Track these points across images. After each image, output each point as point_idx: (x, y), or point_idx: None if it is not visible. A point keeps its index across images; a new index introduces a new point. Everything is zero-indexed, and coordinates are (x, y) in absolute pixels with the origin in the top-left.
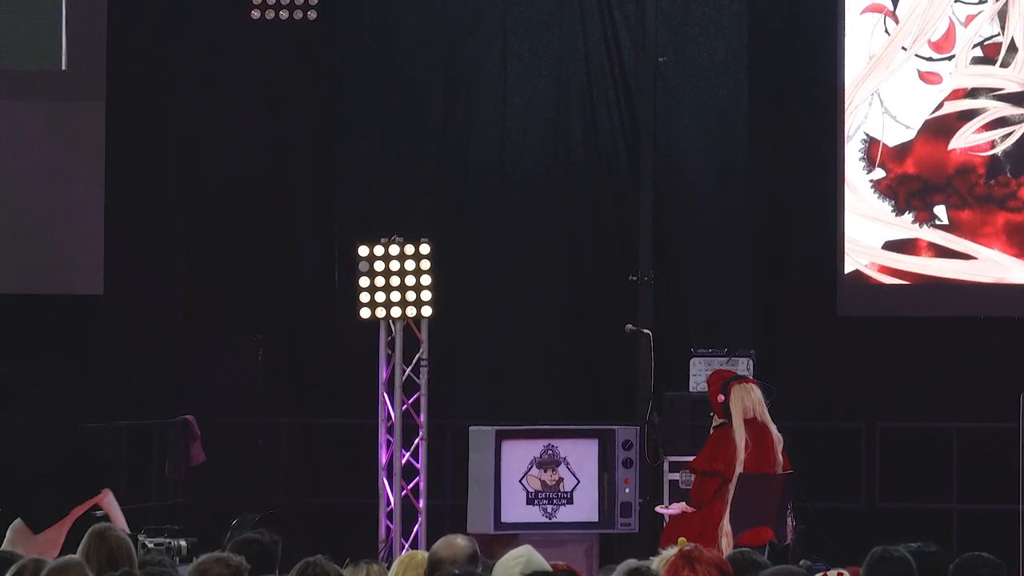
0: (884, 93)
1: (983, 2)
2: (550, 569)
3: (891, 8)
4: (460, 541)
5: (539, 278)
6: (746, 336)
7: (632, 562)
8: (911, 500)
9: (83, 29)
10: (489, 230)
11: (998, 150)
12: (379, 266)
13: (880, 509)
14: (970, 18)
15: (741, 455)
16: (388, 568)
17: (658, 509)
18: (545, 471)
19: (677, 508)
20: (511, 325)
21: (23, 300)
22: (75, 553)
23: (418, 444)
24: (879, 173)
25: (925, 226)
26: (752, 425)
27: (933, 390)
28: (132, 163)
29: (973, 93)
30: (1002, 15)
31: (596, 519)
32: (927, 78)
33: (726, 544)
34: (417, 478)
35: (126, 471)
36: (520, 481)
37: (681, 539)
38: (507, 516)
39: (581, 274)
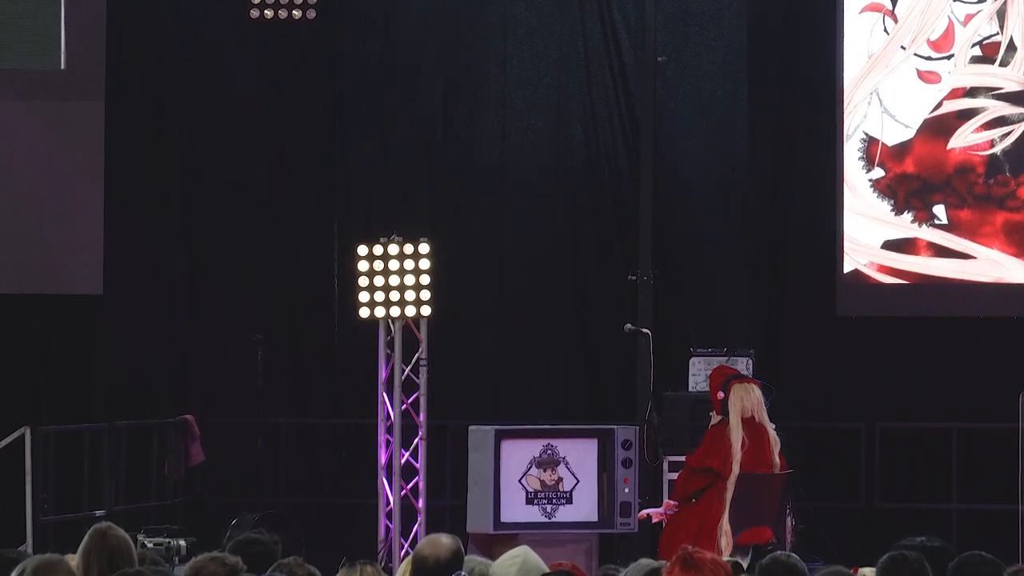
0: (883, 92)
1: (982, 1)
2: (547, 569)
3: (890, 7)
4: (444, 540)
5: (539, 278)
6: (745, 336)
7: (647, 562)
8: (911, 500)
9: (82, 29)
10: (489, 230)
11: (997, 149)
12: (378, 265)
13: (880, 509)
14: (969, 17)
15: (737, 454)
16: (384, 568)
17: (642, 513)
18: (544, 471)
19: (662, 508)
20: (510, 325)
21: (23, 300)
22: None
23: (417, 444)
24: (878, 172)
25: (924, 225)
26: (749, 425)
27: (933, 390)
28: (131, 163)
29: (972, 92)
30: (1001, 14)
31: (595, 519)
32: (926, 77)
33: (725, 544)
34: (416, 478)
35: (126, 471)
36: (519, 481)
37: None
38: (506, 516)
39: (581, 274)
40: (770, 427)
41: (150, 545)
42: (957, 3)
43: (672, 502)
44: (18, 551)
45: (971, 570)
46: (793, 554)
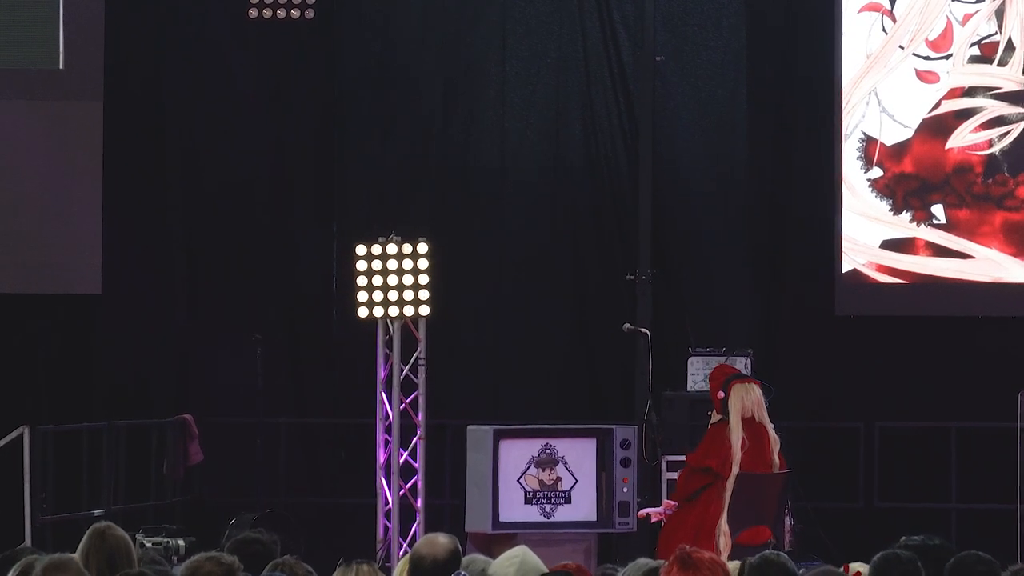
0: (882, 92)
1: (980, 1)
2: (545, 569)
3: (888, 7)
4: (441, 539)
5: (538, 277)
6: (744, 335)
7: (645, 561)
8: (910, 500)
9: (81, 28)
10: (488, 229)
11: (996, 149)
12: (377, 265)
13: (879, 509)
14: (967, 17)
15: (737, 454)
16: (382, 568)
17: (641, 512)
18: (543, 470)
19: (662, 508)
20: (509, 324)
21: (23, 300)
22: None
23: (416, 443)
24: (877, 172)
25: (923, 225)
26: (749, 425)
27: (932, 390)
28: (131, 163)
29: (971, 92)
30: (999, 14)
31: (594, 518)
32: (925, 77)
33: (724, 544)
34: (415, 477)
35: (125, 471)
36: (518, 480)
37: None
38: (505, 515)
39: (580, 273)
40: (770, 427)
41: (149, 545)
42: (955, 3)
43: (672, 502)
44: (33, 549)
45: (967, 569)
46: (783, 553)
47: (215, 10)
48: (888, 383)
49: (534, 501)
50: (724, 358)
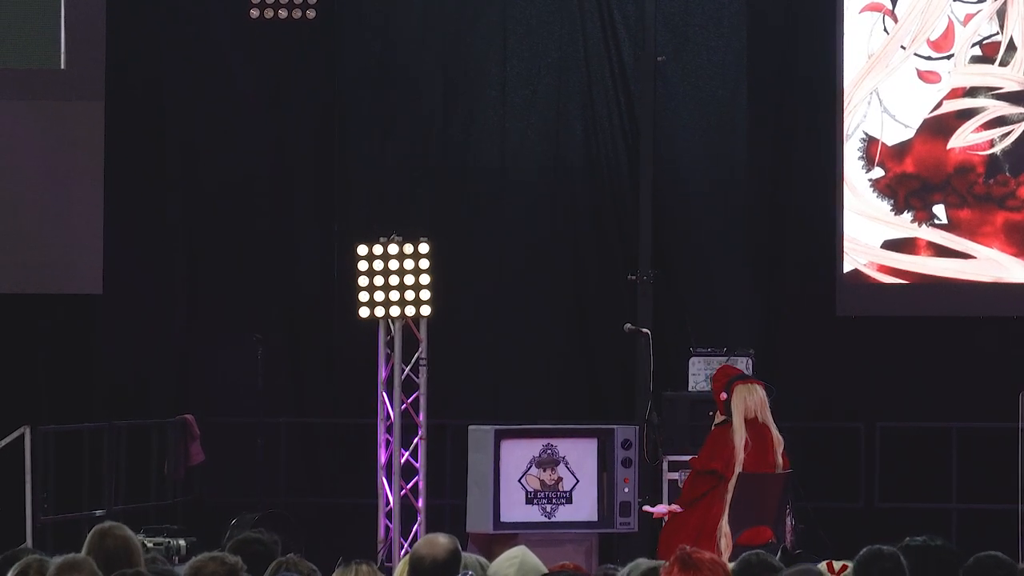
0: (883, 92)
1: (982, 1)
2: (545, 570)
3: (890, 7)
4: (441, 539)
5: (538, 277)
6: (745, 335)
7: (645, 561)
8: (911, 500)
9: (82, 28)
10: (489, 229)
11: (997, 149)
12: (378, 265)
13: (880, 509)
14: (969, 17)
15: (740, 455)
16: (383, 568)
17: (645, 508)
18: (544, 470)
19: (664, 508)
20: (510, 324)
21: (23, 300)
22: None
23: (417, 443)
24: (878, 172)
25: (924, 225)
26: (752, 425)
27: (933, 390)
28: (131, 163)
29: (972, 92)
30: (1001, 14)
31: (595, 519)
32: (926, 77)
33: (725, 545)
34: (416, 478)
35: (126, 471)
36: (519, 480)
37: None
38: (506, 516)
39: (581, 273)
40: (773, 427)
41: (150, 545)
42: (957, 3)
43: (677, 508)
44: (33, 549)
45: (985, 572)
46: (762, 551)
47: (215, 10)
48: (888, 383)
49: (535, 501)
50: (725, 358)
